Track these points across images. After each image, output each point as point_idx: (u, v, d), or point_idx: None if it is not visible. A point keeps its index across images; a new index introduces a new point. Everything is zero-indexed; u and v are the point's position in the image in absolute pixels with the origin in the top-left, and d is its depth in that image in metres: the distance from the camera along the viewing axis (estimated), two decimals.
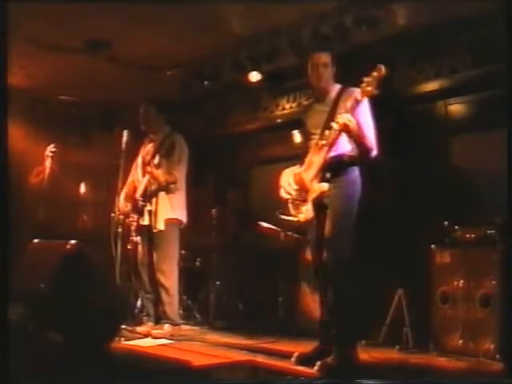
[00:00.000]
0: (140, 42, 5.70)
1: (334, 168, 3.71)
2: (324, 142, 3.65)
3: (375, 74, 3.43)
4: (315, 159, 3.72)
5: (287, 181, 3.87)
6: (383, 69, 3.41)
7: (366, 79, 3.45)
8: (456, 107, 5.35)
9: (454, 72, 5.14)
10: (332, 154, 3.69)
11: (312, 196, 3.72)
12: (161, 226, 5.00)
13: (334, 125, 3.58)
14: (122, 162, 4.94)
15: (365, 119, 3.70)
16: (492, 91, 4.75)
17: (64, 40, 5.67)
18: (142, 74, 6.44)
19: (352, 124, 3.54)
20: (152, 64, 6.31)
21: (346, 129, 3.56)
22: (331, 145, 3.65)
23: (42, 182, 5.60)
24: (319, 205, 3.74)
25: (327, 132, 3.65)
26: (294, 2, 4.89)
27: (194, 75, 6.44)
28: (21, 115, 6.65)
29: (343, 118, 3.54)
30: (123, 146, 4.96)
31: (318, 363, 3.60)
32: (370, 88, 3.44)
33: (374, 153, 3.75)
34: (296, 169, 3.90)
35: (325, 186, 3.68)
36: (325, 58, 3.87)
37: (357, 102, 3.53)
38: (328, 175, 3.69)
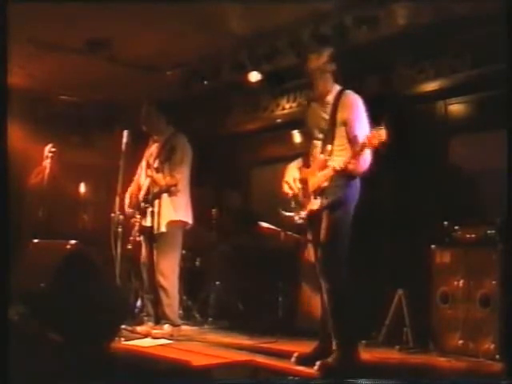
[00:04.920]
0: (140, 42, 5.70)
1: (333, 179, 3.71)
2: (327, 158, 3.69)
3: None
4: (318, 174, 3.73)
5: (292, 176, 3.88)
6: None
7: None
8: (456, 107, 5.35)
9: (454, 72, 5.15)
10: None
11: (308, 208, 3.76)
12: (163, 228, 4.95)
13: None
14: (122, 163, 4.94)
15: (360, 130, 3.67)
16: (492, 91, 4.75)
17: (64, 40, 5.67)
18: (142, 74, 6.44)
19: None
20: (152, 64, 6.31)
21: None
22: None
23: (42, 181, 5.59)
24: (314, 212, 3.75)
25: (329, 147, 3.69)
26: (293, 2, 4.89)
27: (194, 75, 6.44)
28: (21, 115, 6.64)
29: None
30: (123, 146, 4.94)
31: (318, 363, 3.60)
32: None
33: (365, 168, 3.72)
34: (300, 164, 3.92)
35: (317, 203, 3.71)
36: (325, 57, 3.86)
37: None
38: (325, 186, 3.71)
